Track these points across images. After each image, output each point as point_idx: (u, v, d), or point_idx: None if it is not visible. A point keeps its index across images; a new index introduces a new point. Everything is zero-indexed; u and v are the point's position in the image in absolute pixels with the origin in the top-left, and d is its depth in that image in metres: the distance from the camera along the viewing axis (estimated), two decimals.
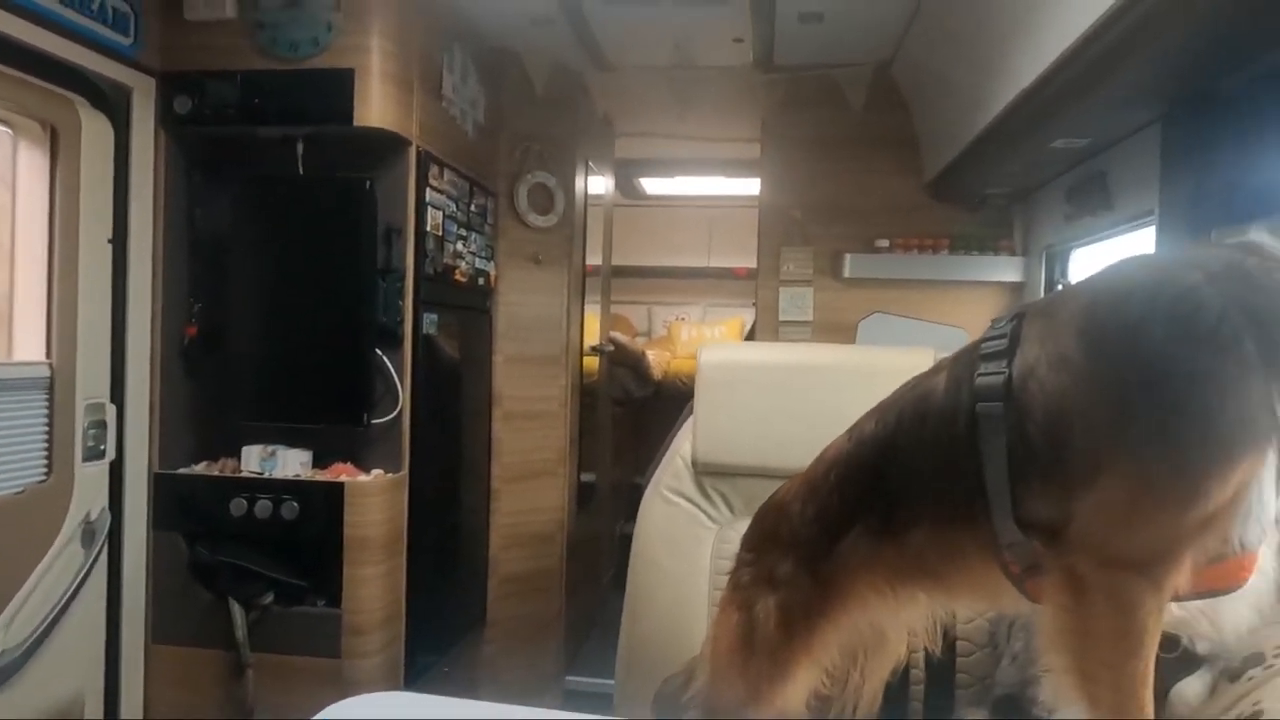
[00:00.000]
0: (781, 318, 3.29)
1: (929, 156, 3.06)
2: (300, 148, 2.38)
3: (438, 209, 2.59)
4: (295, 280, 2.41)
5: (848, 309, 3.24)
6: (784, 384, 1.73)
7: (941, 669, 1.65)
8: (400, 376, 2.42)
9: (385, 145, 2.39)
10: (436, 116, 2.61)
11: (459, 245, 2.78)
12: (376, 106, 2.29)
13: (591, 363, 4.11)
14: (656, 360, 5.16)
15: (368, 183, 2.36)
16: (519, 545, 3.26)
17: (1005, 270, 3.08)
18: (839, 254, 3.22)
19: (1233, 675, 1.25)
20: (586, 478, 3.76)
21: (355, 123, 2.28)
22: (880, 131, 3.23)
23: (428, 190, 2.51)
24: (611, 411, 4.51)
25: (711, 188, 5.63)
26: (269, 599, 2.34)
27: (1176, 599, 0.91)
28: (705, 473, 1.80)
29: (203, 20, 2.31)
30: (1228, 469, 0.82)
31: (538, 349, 3.29)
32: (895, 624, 1.17)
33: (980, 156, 2.54)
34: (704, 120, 3.72)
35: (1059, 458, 0.90)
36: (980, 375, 0.96)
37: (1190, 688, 1.28)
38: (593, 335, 4.16)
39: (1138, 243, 2.34)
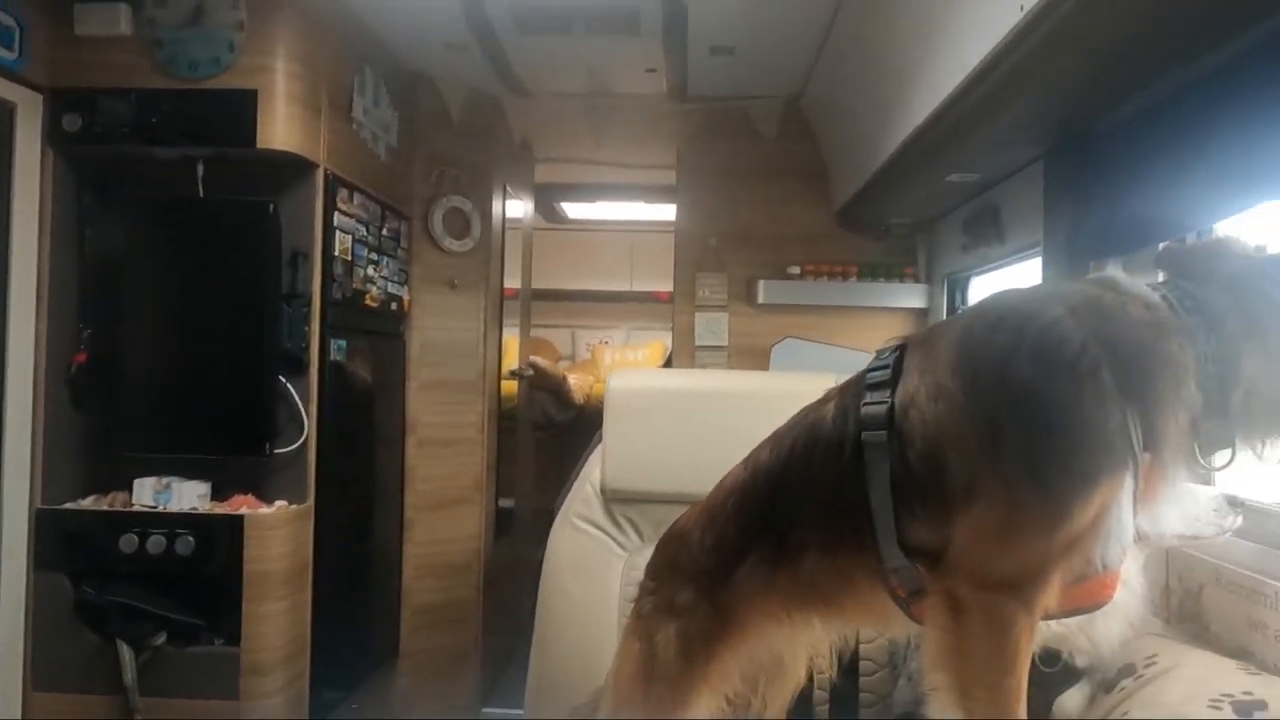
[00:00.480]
0: (698, 342, 3.33)
1: (837, 187, 3.16)
2: (200, 169, 2.31)
3: (347, 233, 2.54)
4: (193, 306, 2.32)
5: (762, 334, 3.31)
6: (692, 410, 1.76)
7: (845, 689, 1.69)
8: (305, 404, 2.35)
9: (291, 168, 2.34)
10: (346, 139, 2.57)
11: (370, 270, 2.73)
12: (281, 129, 2.24)
13: (511, 387, 4.08)
14: (578, 384, 5.15)
15: (271, 206, 2.30)
16: (434, 575, 3.19)
17: (910, 297, 3.19)
18: (753, 280, 3.29)
19: (1108, 686, 1.32)
20: (505, 504, 3.72)
21: (259, 145, 2.23)
22: (791, 162, 3.32)
23: (336, 214, 2.46)
24: (532, 436, 4.47)
25: (633, 213, 5.69)
26: (161, 639, 2.22)
27: (1046, 618, 0.95)
28: (614, 500, 1.81)
29: (95, 36, 2.23)
30: (1089, 493, 0.86)
31: (454, 374, 3.24)
32: (793, 649, 1.20)
33: (882, 188, 2.64)
34: (621, 147, 3.76)
35: (937, 484, 0.93)
36: (865, 405, 1.00)
37: (1071, 699, 1.35)
38: (513, 359, 4.14)
39: (1028, 272, 2.46)
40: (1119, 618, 1.31)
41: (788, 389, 1.72)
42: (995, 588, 0.91)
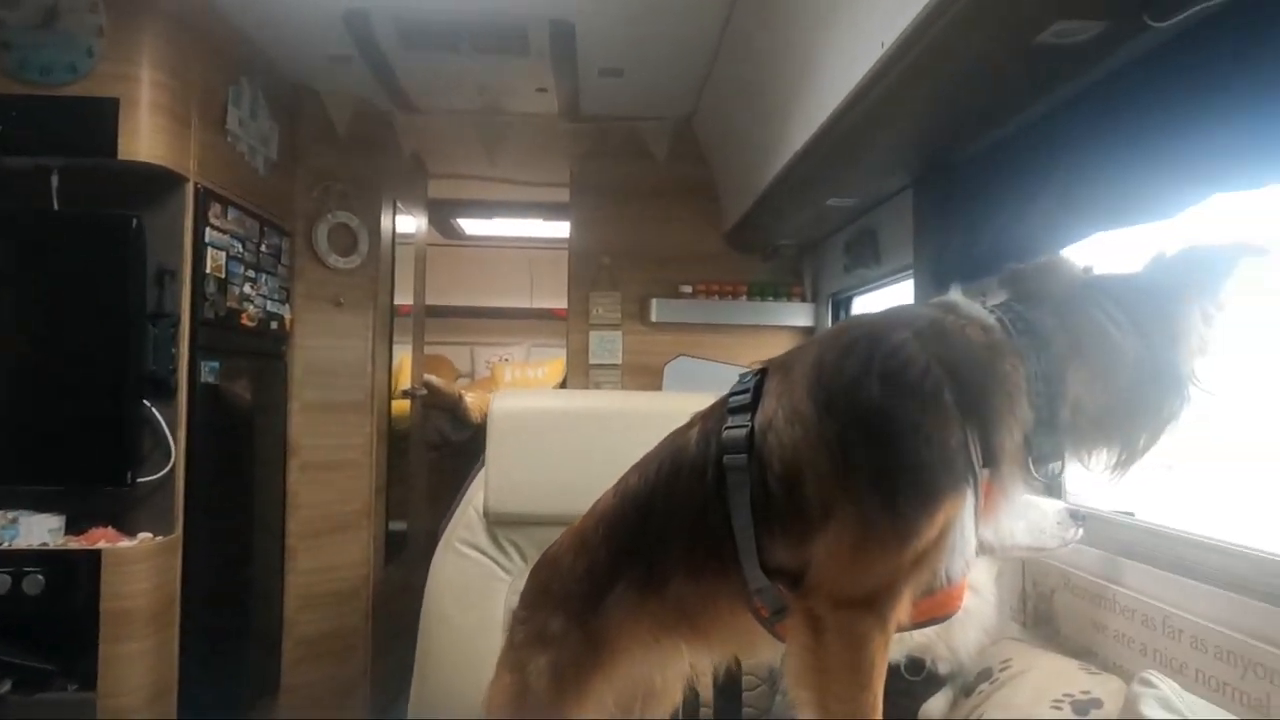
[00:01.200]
0: (592, 361, 3.34)
1: (727, 207, 3.23)
2: (55, 180, 2.16)
3: (221, 249, 2.43)
4: (47, 326, 2.16)
5: (655, 352, 3.34)
6: (576, 430, 1.75)
7: (728, 705, 1.70)
8: (173, 430, 2.22)
9: (157, 181, 2.22)
10: (220, 152, 2.46)
11: (247, 288, 2.61)
12: (145, 139, 2.13)
13: (403, 407, 3.98)
14: (475, 403, 5.06)
15: (134, 220, 2.17)
16: (318, 604, 3.06)
17: (797, 315, 3.29)
18: (646, 299, 3.32)
19: (968, 690, 1.38)
20: (397, 527, 3.61)
21: (120, 156, 2.11)
22: (683, 182, 3.38)
23: (208, 229, 2.35)
24: (426, 457, 4.37)
25: (532, 229, 5.66)
26: (5, 688, 2.05)
27: (899, 630, 0.98)
28: (498, 523, 1.78)
29: None
30: (934, 510, 0.90)
31: (340, 395, 3.14)
32: (664, 674, 1.19)
33: (768, 209, 2.72)
34: (515, 165, 3.74)
35: (795, 506, 0.96)
36: (726, 429, 1.02)
37: (935, 705, 1.40)
38: (407, 378, 4.04)
39: (905, 292, 2.58)
40: (976, 626, 1.38)
41: (672, 408, 1.72)
42: (851, 605, 0.93)
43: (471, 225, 5.74)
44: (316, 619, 3.04)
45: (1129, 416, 0.95)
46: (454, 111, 3.26)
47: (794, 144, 2.15)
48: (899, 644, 1.35)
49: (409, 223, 3.84)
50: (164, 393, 2.22)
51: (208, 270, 2.35)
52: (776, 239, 3.16)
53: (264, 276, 2.73)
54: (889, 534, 0.91)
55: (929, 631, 1.35)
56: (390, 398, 3.51)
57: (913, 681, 1.37)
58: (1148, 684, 1.00)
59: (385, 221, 3.31)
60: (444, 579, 1.79)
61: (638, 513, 1.10)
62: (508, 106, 3.20)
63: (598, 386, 3.33)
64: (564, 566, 1.17)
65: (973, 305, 1.00)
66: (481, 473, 1.81)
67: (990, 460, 0.93)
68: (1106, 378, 0.94)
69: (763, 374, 1.05)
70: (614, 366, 3.34)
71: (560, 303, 5.34)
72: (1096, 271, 1.06)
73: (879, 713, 0.97)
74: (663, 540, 1.07)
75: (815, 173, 2.23)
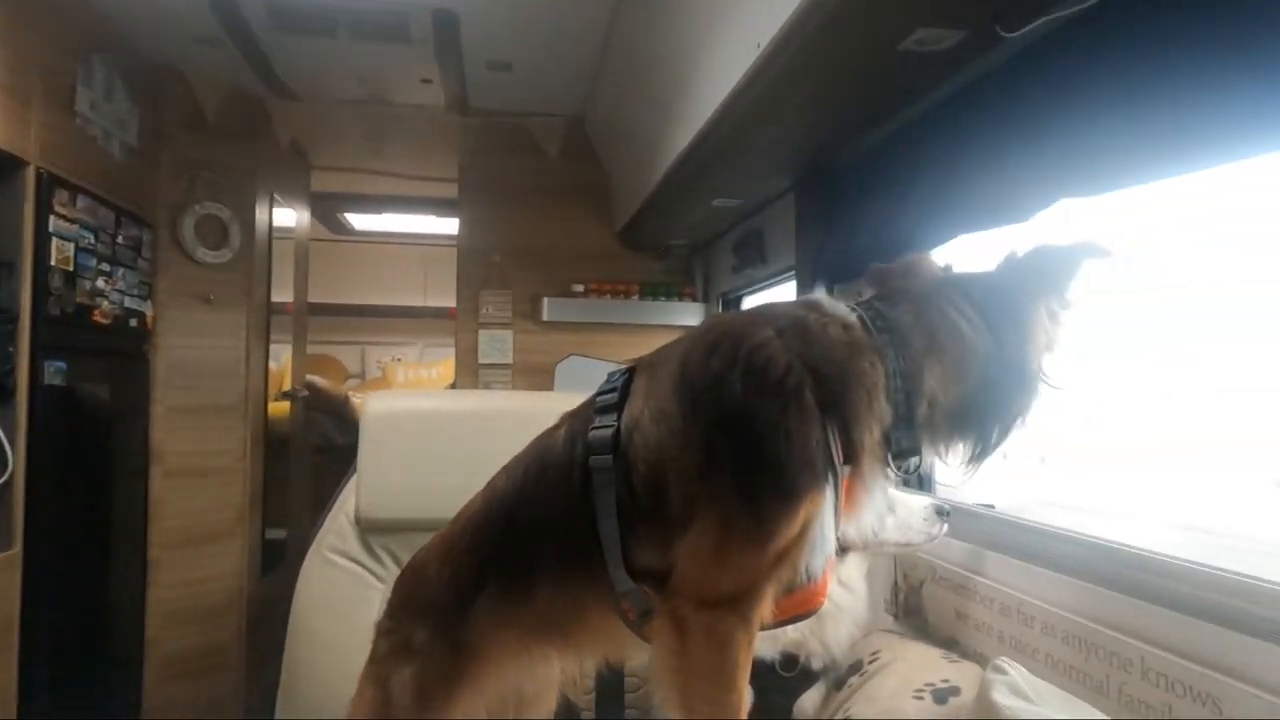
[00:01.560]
0: (481, 360, 3.26)
1: (618, 207, 3.22)
2: None
3: (68, 240, 2.24)
4: None
5: (547, 351, 3.29)
6: (452, 432, 1.69)
7: (611, 705, 1.69)
8: (11, 435, 2.03)
9: None
10: (68, 135, 2.27)
11: (100, 282, 2.42)
12: None
13: (283, 409, 3.79)
14: (362, 404, 4.88)
15: None
16: (186, 620, 2.88)
17: (688, 315, 3.31)
18: (537, 297, 3.28)
19: (839, 684, 1.41)
20: (275, 535, 3.43)
21: None
22: (575, 180, 3.35)
23: (53, 218, 2.16)
24: (310, 461, 4.18)
25: (425, 225, 5.51)
26: None
27: (763, 628, 0.98)
28: (371, 529, 1.71)
29: None
30: (794, 508, 0.90)
31: (210, 397, 2.96)
32: (535, 681, 1.16)
33: (658, 209, 2.72)
34: (401, 158, 3.63)
35: (660, 507, 0.94)
36: (593, 429, 0.99)
37: (809, 700, 1.42)
38: (288, 379, 3.85)
39: (792, 292, 2.62)
40: (847, 621, 1.41)
41: (550, 408, 1.70)
42: (715, 606, 0.93)
43: (360, 220, 5.54)
44: (183, 636, 2.86)
45: (982, 411, 0.98)
46: (335, 100, 3.13)
47: (679, 144, 2.16)
48: (772, 641, 1.36)
49: (289, 216, 3.66)
50: (0, 396, 2.03)
51: (52, 262, 2.16)
52: (667, 239, 3.17)
53: (121, 270, 2.54)
54: (750, 533, 0.91)
55: (802, 628, 1.37)
56: (267, 400, 3.34)
57: (787, 678, 1.39)
58: (999, 670, 1.03)
59: (261, 214, 3.14)
60: (313, 590, 1.70)
61: (504, 517, 1.07)
62: (392, 97, 3.09)
63: (488, 386, 3.26)
64: (429, 575, 1.13)
65: (835, 304, 1.01)
66: (354, 478, 1.73)
67: (851, 457, 0.94)
68: (960, 374, 0.97)
69: (631, 373, 1.04)
70: (504, 366, 3.27)
71: (455, 301, 5.21)
72: (954, 270, 1.09)
73: (744, 712, 0.97)
74: (529, 545, 1.04)
75: (700, 173, 2.24)
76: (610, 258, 3.35)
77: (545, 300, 3.26)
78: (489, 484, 1.12)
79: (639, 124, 2.63)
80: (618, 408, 1.00)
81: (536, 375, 3.28)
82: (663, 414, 0.96)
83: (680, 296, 3.36)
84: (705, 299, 3.36)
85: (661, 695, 0.98)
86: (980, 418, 0.99)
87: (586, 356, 3.26)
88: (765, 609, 0.95)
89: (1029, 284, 1.00)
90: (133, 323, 2.64)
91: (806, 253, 2.14)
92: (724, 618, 0.93)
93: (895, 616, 1.68)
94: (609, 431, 0.98)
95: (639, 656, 1.11)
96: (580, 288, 3.29)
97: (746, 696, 1.09)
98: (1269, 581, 0.94)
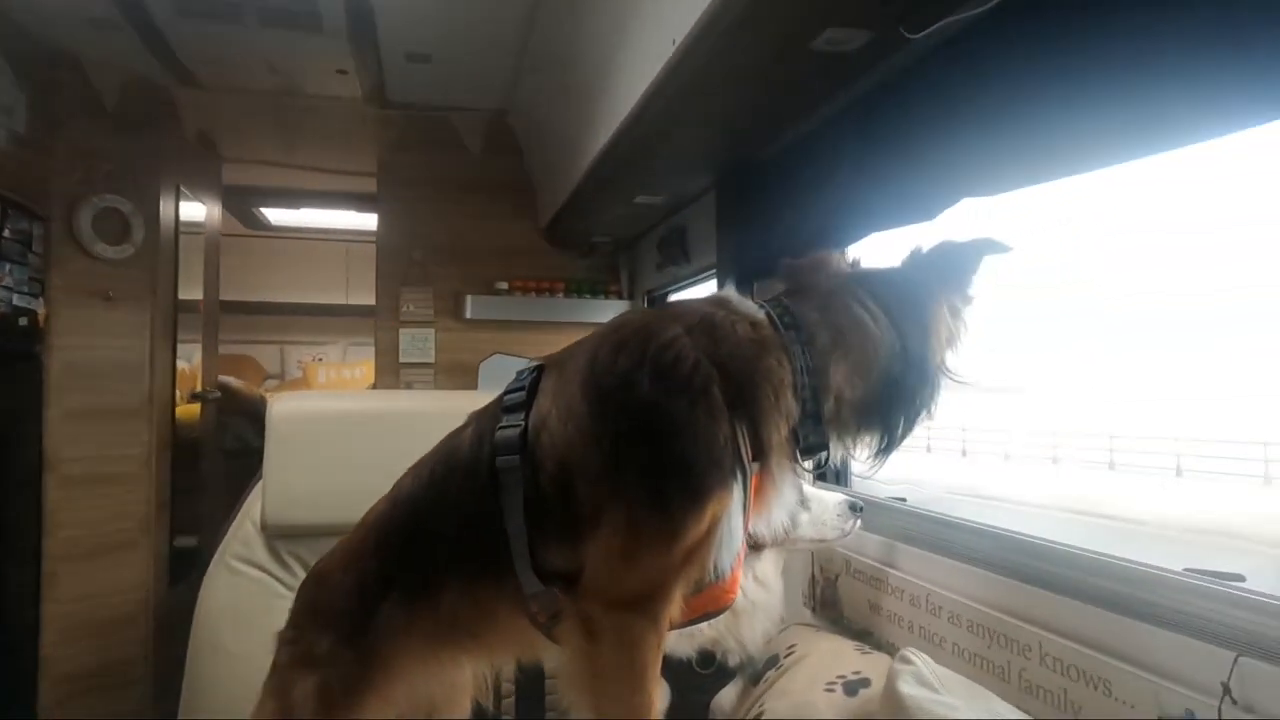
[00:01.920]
0: (402, 359, 3.19)
1: (543, 203, 3.19)
2: None
3: None
4: None
5: (470, 350, 3.24)
6: (361, 433, 1.64)
7: (533, 705, 1.66)
8: None
9: None
10: None
11: None
12: None
13: (194, 411, 3.63)
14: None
15: None
16: (86, 635, 2.73)
17: (614, 312, 3.23)
18: (460, 295, 3.22)
19: (756, 679, 1.41)
20: (185, 544, 3.28)
21: None
22: (499, 176, 3.30)
23: None
24: (224, 466, 4.02)
25: (346, 221, 5.35)
26: None
27: (672, 628, 0.98)
28: (278, 535, 1.64)
29: None
30: (702, 506, 0.89)
31: (111, 400, 2.81)
32: (446, 687, 1.14)
33: (581, 206, 2.70)
34: (318, 152, 3.52)
35: (568, 507, 0.93)
36: (500, 428, 0.97)
37: (726, 696, 1.43)
38: (200, 380, 3.69)
39: (713, 290, 2.64)
40: (763, 617, 1.42)
41: (462, 408, 1.66)
42: (623, 606, 0.92)
43: (278, 215, 5.35)
44: (83, 652, 2.71)
45: (887, 406, 0.99)
46: (244, 90, 3.00)
47: (600, 140, 2.14)
48: (689, 639, 1.36)
49: (198, 209, 3.50)
50: None
51: None
52: (592, 235, 3.15)
53: (8, 266, 2.39)
54: (658, 532, 0.90)
55: (718, 625, 1.37)
56: (175, 402, 3.19)
57: (704, 675, 1.39)
58: (906, 661, 1.05)
59: (166, 207, 3.00)
60: (217, 600, 1.63)
61: (410, 520, 1.04)
62: (306, 88, 2.99)
63: (409, 386, 3.19)
64: (333, 582, 1.09)
65: (744, 300, 1.01)
66: (260, 484, 1.66)
67: (759, 454, 0.94)
68: (865, 369, 0.98)
69: (539, 371, 1.02)
70: (427, 365, 3.21)
71: None
72: (861, 266, 1.10)
73: (655, 712, 0.96)
74: (436, 548, 1.01)
75: (622, 170, 2.23)
76: (535, 255, 3.32)
77: (468, 298, 3.20)
78: (395, 486, 1.09)
79: (561, 119, 2.61)
80: (525, 406, 0.98)
81: (460, 374, 3.23)
82: (570, 412, 0.94)
83: (606, 294, 3.34)
84: (631, 296, 3.35)
85: (571, 698, 0.97)
86: (885, 412, 1.00)
87: (511, 355, 3.22)
88: (674, 608, 0.94)
89: (931, 279, 1.02)
90: (22, 321, 2.49)
91: (727, 250, 2.15)
92: (633, 619, 0.92)
93: (813, 610, 1.70)
94: (516, 431, 0.96)
95: (553, 657, 1.10)
96: (504, 285, 3.25)
97: (660, 696, 1.08)
98: (1151, 566, 0.98)
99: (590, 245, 3.26)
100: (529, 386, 0.99)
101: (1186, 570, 0.94)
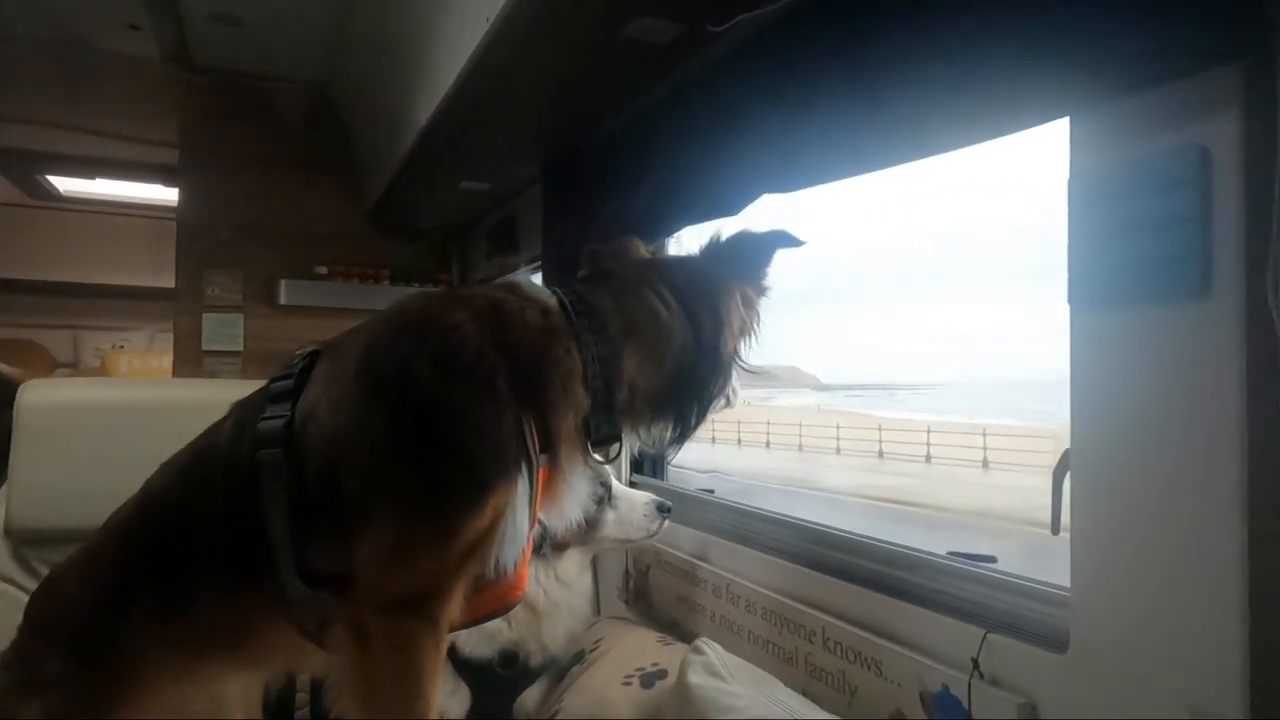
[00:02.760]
0: (206, 346, 2.93)
1: (367, 184, 3.02)
2: None
3: None
4: None
5: (284, 338, 3.02)
6: (122, 425, 1.47)
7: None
8: None
9: None
10: None
11: None
12: None
13: None
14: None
15: None
16: None
17: None
18: (274, 279, 3.00)
19: (560, 676, 1.39)
20: None
21: None
22: (320, 153, 3.10)
23: None
24: None
25: (151, 194, 4.86)
26: None
27: (454, 629, 0.93)
28: (26, 541, 1.46)
29: None
30: (483, 500, 0.85)
31: None
32: (206, 703, 1.03)
33: (405, 189, 2.58)
34: (109, 115, 3.17)
35: (337, 503, 0.86)
36: (264, 419, 0.89)
37: (530, 696, 1.39)
38: None
39: (539, 280, 2.59)
40: (566, 616, 1.39)
41: (235, 397, 1.54)
42: (397, 608, 0.86)
43: (68, 185, 4.79)
44: None
45: (680, 395, 0.99)
46: (17, 38, 2.65)
47: (420, 118, 2.05)
48: (490, 641, 1.32)
49: None
50: None
51: None
52: (419, 221, 3.02)
53: None
54: (434, 528, 0.85)
55: (520, 625, 1.33)
56: None
57: (506, 675, 1.34)
58: (697, 651, 1.05)
59: None
60: None
61: (160, 521, 0.93)
62: (93, 41, 2.68)
63: (214, 375, 2.93)
64: (67, 593, 0.97)
65: (536, 286, 0.98)
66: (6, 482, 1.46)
67: (547, 445, 0.91)
68: (658, 359, 0.97)
69: (313, 356, 0.94)
70: (234, 354, 2.97)
71: None
72: (659, 254, 1.10)
73: (435, 714, 0.91)
74: (190, 552, 0.91)
75: (446, 152, 2.15)
76: (358, 238, 3.14)
77: (283, 282, 2.99)
78: (144, 485, 0.98)
79: (383, 94, 2.48)
80: (293, 394, 0.90)
81: (273, 364, 2.99)
82: (342, 401, 0.87)
83: (435, 282, 3.22)
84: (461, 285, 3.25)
85: (341, 706, 0.90)
86: (679, 401, 0.99)
87: None
88: (455, 608, 0.90)
89: (726, 269, 1.03)
90: None
91: (553, 240, 2.11)
92: (408, 621, 0.87)
93: (626, 603, 1.70)
94: (281, 421, 0.88)
95: (322, 666, 1.02)
96: (324, 270, 3.06)
97: (460, 699, 1.03)
98: (917, 550, 1.03)
99: (417, 231, 3.13)
100: (299, 373, 0.91)
101: (949, 554, 0.99)
